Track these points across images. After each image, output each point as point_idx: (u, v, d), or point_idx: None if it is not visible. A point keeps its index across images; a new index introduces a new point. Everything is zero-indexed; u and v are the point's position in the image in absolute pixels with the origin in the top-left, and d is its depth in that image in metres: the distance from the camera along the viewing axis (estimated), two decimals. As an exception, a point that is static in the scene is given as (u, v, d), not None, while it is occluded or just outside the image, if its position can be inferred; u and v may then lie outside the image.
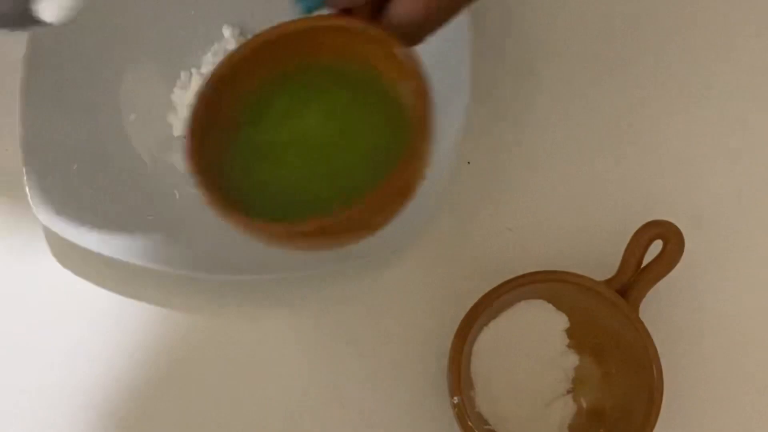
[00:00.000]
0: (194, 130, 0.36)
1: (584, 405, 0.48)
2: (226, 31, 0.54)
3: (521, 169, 0.54)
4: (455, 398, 0.46)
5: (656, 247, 0.46)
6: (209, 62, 0.53)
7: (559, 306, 0.49)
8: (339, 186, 0.36)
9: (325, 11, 0.36)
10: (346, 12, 0.36)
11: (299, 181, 0.37)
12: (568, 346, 0.49)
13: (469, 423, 0.45)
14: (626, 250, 0.47)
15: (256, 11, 0.54)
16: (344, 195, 0.36)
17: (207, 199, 0.35)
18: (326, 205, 0.35)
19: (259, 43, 0.37)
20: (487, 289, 0.47)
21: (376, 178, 0.34)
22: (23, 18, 0.41)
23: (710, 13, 0.56)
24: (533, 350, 0.48)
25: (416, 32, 0.35)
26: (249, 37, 0.53)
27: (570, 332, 0.49)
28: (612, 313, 0.47)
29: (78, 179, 0.51)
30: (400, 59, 0.35)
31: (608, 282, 0.47)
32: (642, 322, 0.46)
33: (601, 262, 0.48)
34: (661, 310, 0.50)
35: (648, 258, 0.47)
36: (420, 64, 0.35)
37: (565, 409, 0.48)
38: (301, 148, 0.37)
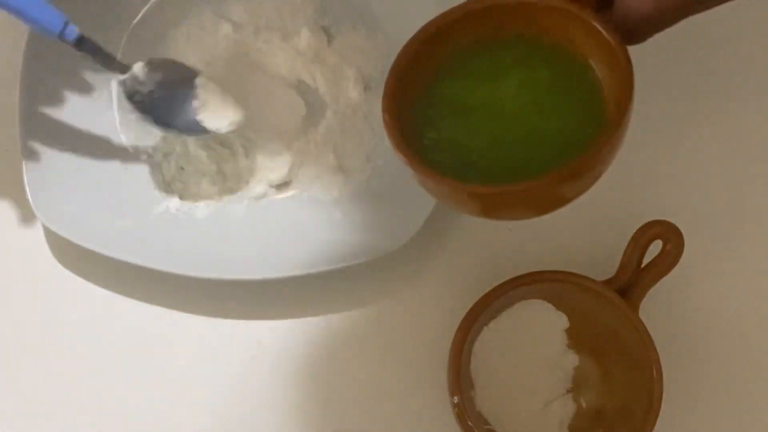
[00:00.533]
0: (397, 72, 0.38)
1: (584, 405, 0.48)
2: (226, 26, 0.54)
3: (521, 169, 0.54)
4: (455, 398, 0.46)
5: (656, 247, 0.46)
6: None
7: (559, 306, 0.49)
8: (523, 158, 0.37)
9: None
10: None
11: (483, 144, 0.38)
12: (568, 346, 0.49)
13: (469, 423, 0.45)
14: (626, 250, 0.47)
15: (253, 10, 0.54)
16: (527, 168, 0.36)
17: (394, 144, 0.37)
18: (504, 174, 0.37)
19: (481, 7, 0.38)
20: (487, 289, 0.47)
21: (560, 158, 0.35)
22: (193, 127, 0.49)
23: (710, 19, 0.56)
24: (533, 350, 0.48)
25: (641, 29, 0.36)
26: (251, 29, 0.54)
27: (570, 332, 0.49)
28: (612, 313, 0.47)
29: (78, 179, 0.51)
30: (611, 48, 0.36)
31: (608, 282, 0.47)
32: (642, 322, 0.46)
33: (601, 262, 0.48)
34: (661, 310, 0.50)
35: (648, 258, 0.47)
36: (628, 57, 0.36)
37: (564, 409, 0.48)
38: (492, 113, 0.38)
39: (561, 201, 0.37)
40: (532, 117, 0.38)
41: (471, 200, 0.36)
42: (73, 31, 0.45)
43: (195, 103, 0.49)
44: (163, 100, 0.49)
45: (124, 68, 0.48)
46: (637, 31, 0.36)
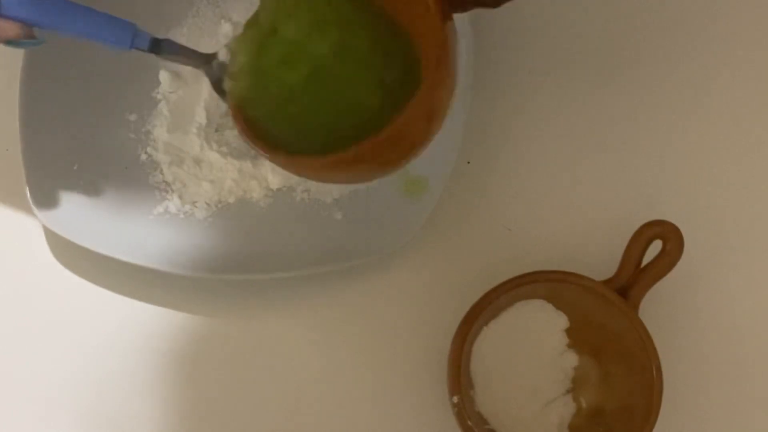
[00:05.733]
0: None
1: (584, 405, 0.48)
2: (226, 26, 0.54)
3: (521, 169, 0.54)
4: (455, 398, 0.46)
5: (656, 247, 0.47)
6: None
7: (559, 306, 0.49)
8: (335, 117, 0.39)
9: None
10: None
11: (298, 99, 0.39)
12: (568, 345, 0.49)
13: (469, 422, 0.45)
14: (626, 249, 0.47)
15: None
16: (357, 126, 0.38)
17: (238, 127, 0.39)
18: (318, 132, 0.38)
19: None
20: (487, 289, 0.47)
21: (368, 124, 0.37)
22: None
23: (710, 17, 0.56)
24: (533, 350, 0.48)
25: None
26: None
27: (570, 332, 0.49)
28: (612, 313, 0.47)
29: (78, 179, 0.51)
30: (431, 18, 0.36)
31: (608, 282, 0.47)
32: (642, 322, 0.46)
33: (601, 262, 0.48)
34: (661, 310, 0.50)
35: (648, 258, 0.47)
36: (444, 14, 0.36)
37: (564, 409, 0.48)
38: (308, 67, 0.39)
39: (369, 172, 0.39)
40: (341, 83, 0.39)
41: (274, 161, 0.39)
42: (145, 37, 0.43)
43: None
44: None
45: (208, 58, 0.46)
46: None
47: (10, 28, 0.38)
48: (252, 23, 0.41)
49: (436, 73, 0.36)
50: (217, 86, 0.46)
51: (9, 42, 0.39)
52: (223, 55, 0.46)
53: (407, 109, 0.35)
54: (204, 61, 0.46)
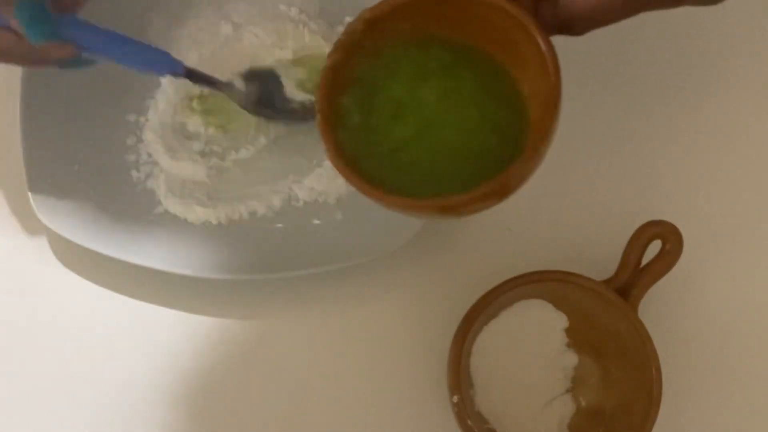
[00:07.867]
0: (324, 83, 0.37)
1: (583, 404, 0.48)
2: (226, 27, 0.54)
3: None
4: (455, 397, 0.46)
5: (656, 247, 0.47)
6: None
7: (559, 306, 0.49)
8: (448, 164, 0.38)
9: None
10: None
11: (410, 150, 0.38)
12: (568, 345, 0.49)
13: (469, 422, 0.45)
14: (625, 249, 0.47)
15: (253, 10, 0.55)
16: (452, 175, 0.37)
17: (331, 157, 0.37)
18: (431, 178, 0.38)
19: (399, 3, 0.37)
20: (487, 289, 0.47)
21: (482, 169, 0.36)
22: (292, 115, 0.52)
23: (712, 18, 0.56)
24: (533, 349, 0.48)
25: (582, 22, 0.35)
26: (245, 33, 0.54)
27: (569, 332, 0.49)
28: (611, 313, 0.47)
29: (79, 180, 0.51)
30: (543, 55, 0.35)
31: (608, 282, 0.47)
32: (641, 322, 0.46)
33: (600, 262, 0.49)
34: (660, 309, 0.50)
35: (647, 258, 0.47)
36: (558, 67, 0.35)
37: (564, 409, 0.48)
38: (418, 120, 0.38)
39: (469, 213, 0.38)
40: (453, 130, 0.38)
41: (391, 207, 0.38)
42: (181, 66, 0.47)
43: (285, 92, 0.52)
44: (267, 101, 0.51)
45: (228, 86, 0.50)
46: (577, 23, 0.35)
47: (66, 49, 0.43)
48: (332, 72, 0.39)
49: (549, 118, 0.35)
50: (246, 107, 0.51)
51: (60, 61, 0.43)
52: (239, 83, 0.50)
53: (526, 155, 0.35)
54: (224, 88, 0.50)
